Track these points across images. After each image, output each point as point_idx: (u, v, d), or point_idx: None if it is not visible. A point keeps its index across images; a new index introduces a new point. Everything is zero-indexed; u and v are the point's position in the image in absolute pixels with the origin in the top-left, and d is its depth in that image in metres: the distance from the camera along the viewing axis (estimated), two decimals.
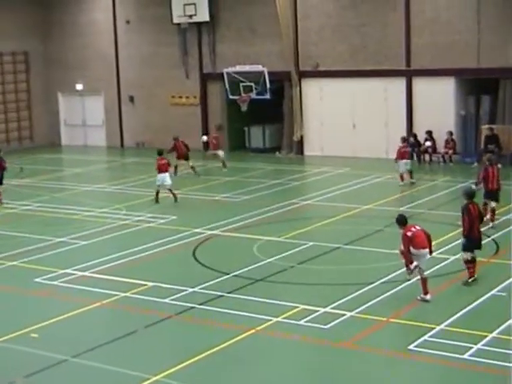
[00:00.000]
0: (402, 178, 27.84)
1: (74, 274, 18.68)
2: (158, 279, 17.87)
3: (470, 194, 17.18)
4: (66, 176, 34.08)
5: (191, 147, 31.96)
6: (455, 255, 18.28)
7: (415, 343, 13.73)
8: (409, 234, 15.79)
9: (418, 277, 16.04)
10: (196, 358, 13.50)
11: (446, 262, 18.22)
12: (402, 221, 16.13)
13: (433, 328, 14.35)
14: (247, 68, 35.86)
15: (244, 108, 35.79)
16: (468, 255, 16.85)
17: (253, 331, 14.64)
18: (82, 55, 41.46)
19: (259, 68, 35.49)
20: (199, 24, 37.47)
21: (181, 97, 38.82)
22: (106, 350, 14.17)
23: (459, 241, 17.22)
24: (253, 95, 35.51)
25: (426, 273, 16.00)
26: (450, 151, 31.69)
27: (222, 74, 36.33)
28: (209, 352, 13.72)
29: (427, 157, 32.30)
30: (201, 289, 17.20)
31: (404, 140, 28.81)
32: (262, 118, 36.52)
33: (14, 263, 19.84)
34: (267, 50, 35.89)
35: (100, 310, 16.38)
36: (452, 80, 32.19)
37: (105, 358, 13.82)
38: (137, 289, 17.35)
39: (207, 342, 14.13)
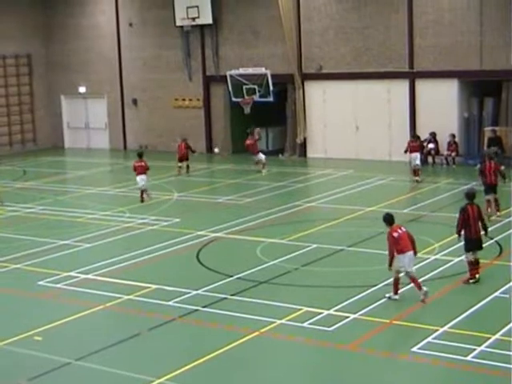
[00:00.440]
0: (415, 173, 28.69)
1: (77, 277, 18.70)
2: (162, 282, 17.88)
3: (470, 195, 17.33)
4: (70, 179, 34.11)
5: (194, 150, 32.20)
6: (459, 257, 18.27)
7: (418, 345, 13.73)
8: (395, 234, 15.95)
9: (419, 280, 16.08)
10: (200, 361, 13.50)
11: (449, 264, 18.21)
12: (389, 220, 16.26)
13: (436, 330, 14.34)
14: (250, 70, 35.89)
15: (247, 110, 35.82)
16: (470, 256, 16.90)
17: (256, 333, 14.65)
18: (85, 58, 41.51)
19: (262, 70, 35.52)
20: (202, 27, 37.51)
21: (184, 99, 38.85)
22: (110, 353, 14.17)
23: (462, 243, 17.25)
24: (256, 98, 35.54)
25: (427, 275, 15.99)
26: (453, 153, 31.69)
27: (226, 77, 36.37)
28: (213, 354, 13.72)
29: (430, 159, 32.30)
30: (204, 291, 17.20)
31: (413, 135, 29.95)
32: (265, 121, 36.53)
33: (18, 266, 19.86)
34: (270, 53, 35.92)
35: (104, 313, 16.39)
36: (455, 82, 32.18)
37: (108, 360, 13.83)
38: (140, 291, 17.36)
39: (211, 345, 14.14)
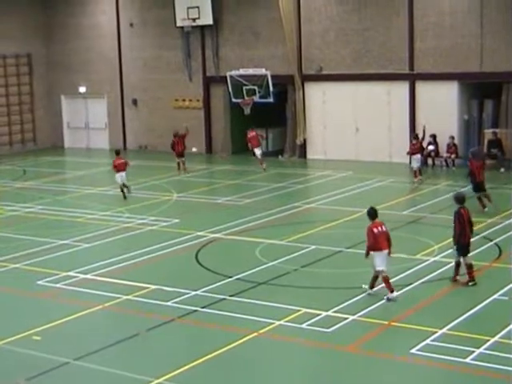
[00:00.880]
0: (415, 174, 28.82)
1: (76, 277, 18.69)
2: (161, 282, 17.88)
3: (460, 199, 17.25)
4: (69, 179, 34.11)
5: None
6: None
7: (417, 347, 13.72)
8: (375, 230, 16.08)
9: (418, 282, 16.09)
10: (199, 361, 13.50)
11: (447, 266, 18.18)
12: (372, 214, 16.40)
13: (435, 332, 14.34)
14: (250, 71, 35.90)
15: (247, 111, 35.83)
16: (458, 259, 16.94)
17: (255, 334, 14.64)
18: (86, 58, 41.53)
19: (262, 71, 35.53)
20: (203, 27, 37.53)
21: (184, 100, 38.86)
22: (108, 353, 14.17)
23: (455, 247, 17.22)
24: (256, 99, 35.54)
25: (427, 277, 15.99)
26: (453, 155, 31.69)
27: (226, 78, 36.38)
28: (211, 355, 13.72)
29: (430, 161, 32.29)
30: (203, 292, 17.20)
31: (415, 137, 29.87)
32: (265, 122, 36.54)
33: (17, 265, 19.87)
34: (270, 54, 35.93)
35: (102, 313, 16.38)
36: (455, 84, 32.18)
37: (107, 360, 13.82)
38: (139, 292, 17.35)
39: (210, 345, 14.13)
